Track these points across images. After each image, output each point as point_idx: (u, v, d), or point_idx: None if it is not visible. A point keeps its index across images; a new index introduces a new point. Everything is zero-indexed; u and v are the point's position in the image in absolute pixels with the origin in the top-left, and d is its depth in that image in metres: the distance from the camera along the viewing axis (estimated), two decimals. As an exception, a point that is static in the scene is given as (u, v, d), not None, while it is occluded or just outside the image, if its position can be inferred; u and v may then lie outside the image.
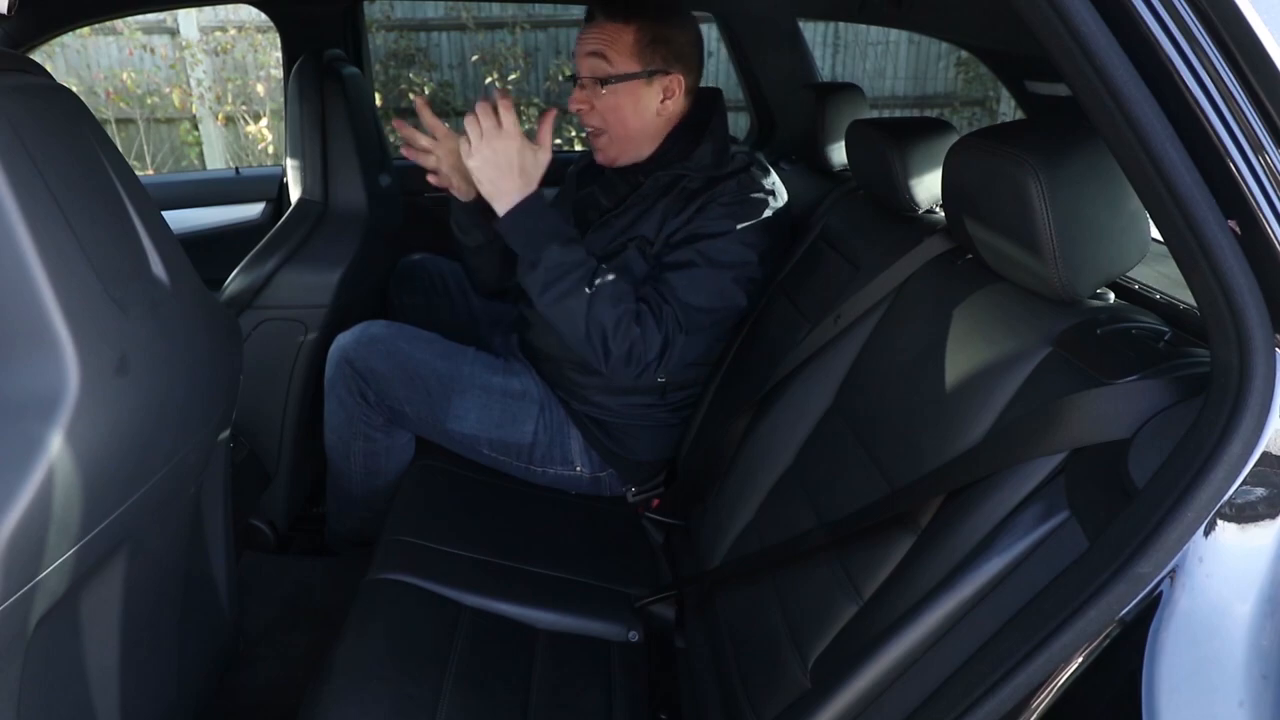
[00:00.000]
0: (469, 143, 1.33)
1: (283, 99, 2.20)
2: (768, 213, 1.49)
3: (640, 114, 1.50)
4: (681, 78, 1.51)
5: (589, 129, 1.53)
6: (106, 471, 0.78)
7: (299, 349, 1.77)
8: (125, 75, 5.53)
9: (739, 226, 1.45)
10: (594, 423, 1.61)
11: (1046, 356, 0.88)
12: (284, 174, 2.35)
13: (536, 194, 1.37)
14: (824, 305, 1.37)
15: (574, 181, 1.77)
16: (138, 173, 0.96)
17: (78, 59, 5.56)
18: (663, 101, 1.51)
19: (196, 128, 5.80)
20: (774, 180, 1.55)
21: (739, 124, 2.08)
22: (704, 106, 1.56)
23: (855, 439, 1.14)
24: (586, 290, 1.36)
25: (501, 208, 1.36)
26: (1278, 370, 0.62)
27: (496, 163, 1.33)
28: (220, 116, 5.73)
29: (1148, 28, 0.59)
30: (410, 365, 1.56)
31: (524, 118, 5.93)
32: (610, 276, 1.38)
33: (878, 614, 0.89)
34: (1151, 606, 0.65)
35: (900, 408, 1.06)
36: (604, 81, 1.47)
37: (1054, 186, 0.85)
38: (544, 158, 1.37)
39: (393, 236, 2.04)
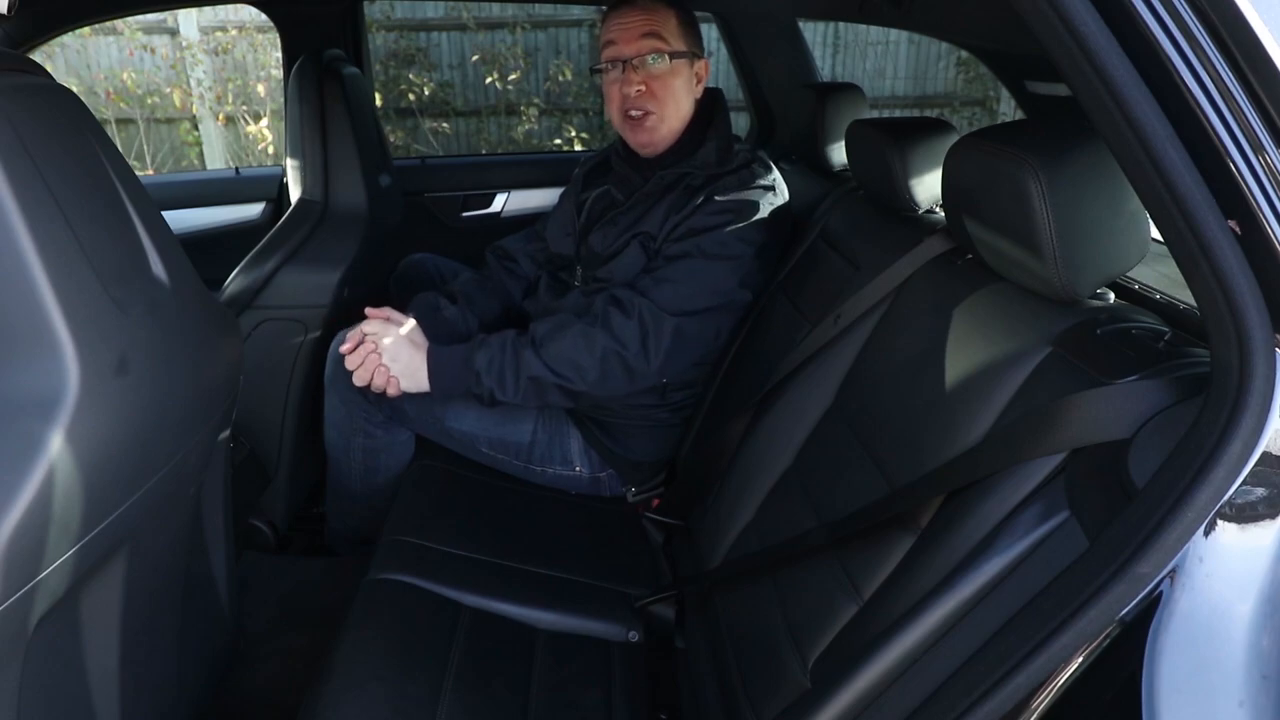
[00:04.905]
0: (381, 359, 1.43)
1: (283, 99, 2.19)
2: (766, 208, 1.50)
3: (687, 95, 1.56)
4: (706, 63, 1.58)
5: (638, 111, 1.53)
6: (106, 471, 0.78)
7: (299, 349, 1.77)
8: (125, 75, 5.52)
9: (737, 221, 1.46)
10: (594, 423, 1.61)
11: (1046, 356, 0.88)
12: (284, 174, 2.35)
13: (431, 349, 1.46)
14: (824, 305, 1.37)
15: (580, 182, 1.77)
16: (138, 173, 0.96)
17: (78, 59, 5.56)
18: (696, 85, 1.57)
19: (196, 128, 5.80)
20: (774, 176, 1.56)
21: (739, 124, 2.07)
22: (707, 105, 1.60)
23: (855, 439, 1.14)
24: (529, 352, 1.41)
25: (428, 383, 1.45)
26: (1278, 370, 0.62)
27: (400, 360, 1.43)
28: (220, 116, 5.73)
29: (1148, 28, 0.59)
30: None
31: (524, 118, 5.94)
32: (543, 326, 1.44)
33: (878, 614, 0.89)
34: (1151, 607, 0.65)
35: (900, 408, 1.06)
36: (671, 56, 1.51)
37: (1054, 186, 0.85)
38: (409, 321, 1.49)
39: (393, 236, 2.03)
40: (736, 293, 1.49)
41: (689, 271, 1.44)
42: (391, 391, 1.44)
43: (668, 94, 1.53)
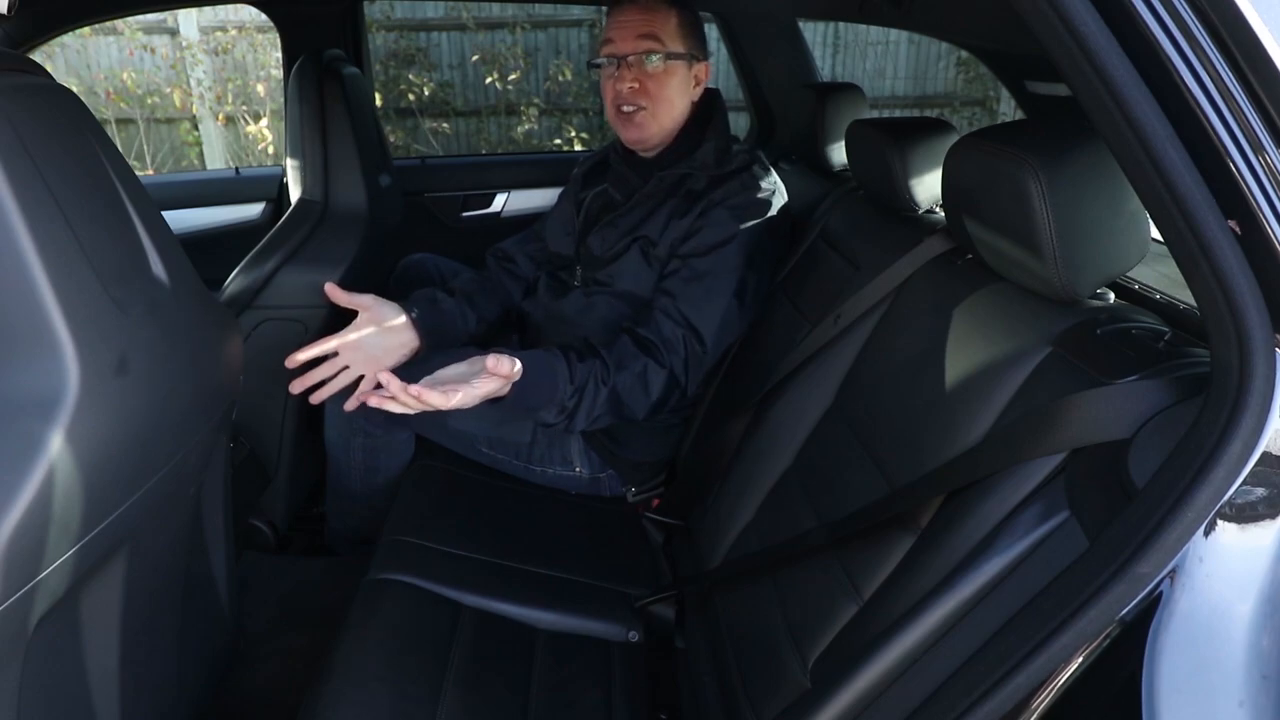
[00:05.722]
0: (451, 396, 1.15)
1: (283, 99, 2.19)
2: (771, 213, 1.50)
3: (682, 96, 1.56)
4: (707, 65, 1.58)
5: (630, 107, 1.54)
6: (106, 471, 0.78)
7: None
8: (125, 75, 5.53)
9: (743, 228, 1.46)
10: (594, 423, 1.61)
11: (1046, 356, 0.88)
12: (284, 174, 2.35)
13: (526, 364, 1.23)
14: (824, 305, 1.37)
15: (579, 182, 1.78)
16: (138, 173, 0.96)
17: (78, 59, 5.56)
18: (694, 87, 1.58)
19: (196, 128, 5.81)
20: (774, 179, 1.57)
21: (739, 124, 2.07)
22: (705, 105, 1.60)
23: (855, 439, 1.14)
24: (604, 387, 1.34)
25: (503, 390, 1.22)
26: (1278, 370, 0.62)
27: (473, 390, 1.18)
28: (220, 116, 5.74)
29: (1148, 28, 0.59)
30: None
31: (524, 118, 5.94)
32: (612, 357, 1.35)
33: (878, 614, 0.89)
34: (1151, 607, 0.65)
35: (900, 408, 1.06)
36: (667, 57, 1.52)
37: (1054, 186, 0.85)
38: (477, 356, 1.24)
39: (393, 236, 2.03)
40: (748, 300, 1.50)
41: (707, 293, 1.44)
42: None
43: (661, 93, 1.53)
